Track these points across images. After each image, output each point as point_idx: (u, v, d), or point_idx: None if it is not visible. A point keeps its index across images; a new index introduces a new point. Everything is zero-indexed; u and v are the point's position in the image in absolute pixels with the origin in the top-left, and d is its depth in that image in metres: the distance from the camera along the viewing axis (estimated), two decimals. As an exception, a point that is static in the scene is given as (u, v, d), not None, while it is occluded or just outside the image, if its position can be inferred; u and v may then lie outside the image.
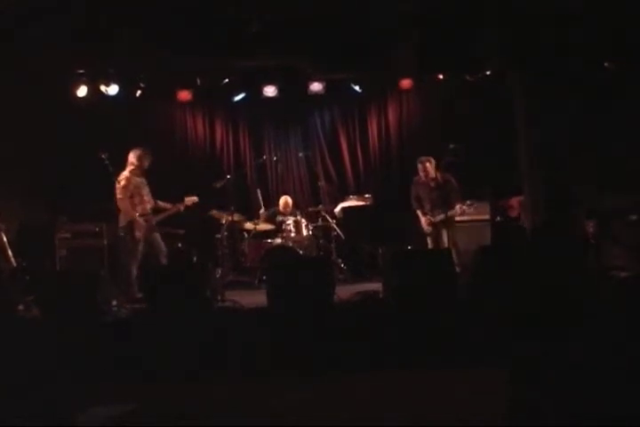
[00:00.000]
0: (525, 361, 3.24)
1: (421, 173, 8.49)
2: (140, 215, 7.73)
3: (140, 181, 7.90)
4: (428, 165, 8.42)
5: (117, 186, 7.66)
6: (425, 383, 4.87)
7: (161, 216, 8.03)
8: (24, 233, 8.51)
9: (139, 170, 7.87)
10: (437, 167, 8.37)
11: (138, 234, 7.66)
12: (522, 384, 3.10)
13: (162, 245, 7.97)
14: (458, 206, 8.20)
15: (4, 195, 8.45)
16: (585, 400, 2.88)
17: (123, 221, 7.67)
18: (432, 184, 8.40)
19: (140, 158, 7.85)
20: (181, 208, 8.11)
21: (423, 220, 8.46)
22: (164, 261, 7.86)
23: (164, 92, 9.95)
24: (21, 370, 5.05)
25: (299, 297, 6.02)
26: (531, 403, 2.98)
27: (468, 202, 8.22)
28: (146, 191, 7.93)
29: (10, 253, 7.60)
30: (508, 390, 3.15)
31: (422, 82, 10.09)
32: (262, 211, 9.58)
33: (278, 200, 9.85)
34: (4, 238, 7.69)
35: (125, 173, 7.69)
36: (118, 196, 7.66)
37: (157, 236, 7.95)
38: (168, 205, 8.11)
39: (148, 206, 7.90)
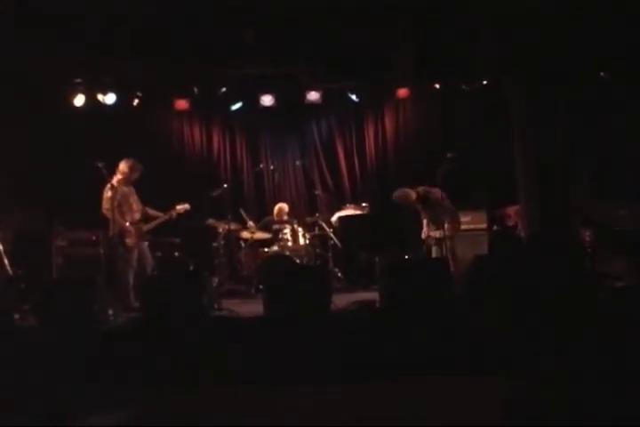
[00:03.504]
0: (524, 368, 3.25)
1: (403, 204, 8.49)
2: (130, 224, 7.73)
3: (128, 190, 7.88)
4: (399, 196, 8.38)
5: (104, 196, 7.64)
6: (422, 391, 4.86)
7: (152, 224, 8.02)
8: (20, 241, 8.49)
9: (127, 180, 7.85)
10: (414, 187, 8.35)
11: (129, 242, 7.65)
12: (520, 389, 3.11)
13: (149, 255, 7.96)
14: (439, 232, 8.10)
15: (0, 203, 8.45)
16: (583, 404, 2.89)
17: (113, 230, 7.63)
18: (418, 206, 8.42)
19: (130, 169, 7.83)
20: (173, 215, 8.09)
21: (425, 230, 8.48)
22: (149, 271, 7.84)
23: (162, 100, 9.98)
24: (18, 379, 5.04)
25: (295, 306, 6.01)
26: (528, 406, 2.98)
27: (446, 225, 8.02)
28: (134, 200, 7.92)
29: (6, 261, 7.59)
30: (507, 393, 3.15)
31: (419, 91, 10.13)
32: (250, 224, 9.50)
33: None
34: (1, 247, 7.68)
35: (113, 183, 7.62)
36: (105, 206, 7.63)
37: (145, 245, 7.94)
38: (159, 213, 8.10)
39: (137, 215, 7.89)
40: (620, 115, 8.42)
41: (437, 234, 8.17)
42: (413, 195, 8.34)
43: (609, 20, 7.57)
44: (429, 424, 4.05)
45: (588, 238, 7.87)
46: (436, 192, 8.14)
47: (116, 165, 7.83)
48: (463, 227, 8.85)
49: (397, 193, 8.43)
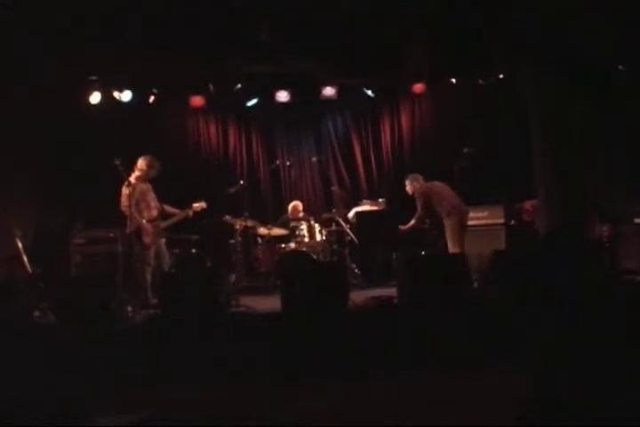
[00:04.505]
0: (541, 364, 3.23)
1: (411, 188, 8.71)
2: (147, 221, 7.75)
3: (146, 187, 7.88)
4: (410, 179, 8.67)
5: (123, 193, 7.64)
6: (440, 386, 4.85)
7: (169, 222, 8.02)
8: (39, 239, 8.56)
9: (144, 177, 7.85)
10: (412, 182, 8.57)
11: (146, 239, 7.67)
12: (536, 387, 3.08)
13: (166, 252, 7.97)
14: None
15: (19, 201, 8.51)
16: (600, 403, 2.86)
17: (130, 228, 7.61)
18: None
19: (149, 166, 7.83)
20: (190, 213, 8.09)
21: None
22: (166, 268, 7.85)
23: (177, 97, 10.00)
24: (36, 376, 5.07)
25: (313, 302, 6.02)
26: (543, 405, 2.96)
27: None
28: (151, 197, 7.92)
29: (25, 259, 7.66)
30: (523, 390, 3.13)
31: (435, 86, 10.09)
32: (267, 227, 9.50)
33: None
34: (20, 245, 7.75)
35: (131, 180, 7.62)
36: (123, 203, 7.60)
37: (163, 243, 7.95)
38: (176, 211, 8.10)
39: (155, 212, 7.88)
40: (638, 110, 8.34)
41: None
42: (421, 179, 8.55)
43: (625, 12, 7.50)
44: (451, 424, 4.03)
45: (606, 233, 7.83)
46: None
47: (134, 163, 7.85)
48: (481, 222, 8.84)
49: (410, 175, 8.65)
